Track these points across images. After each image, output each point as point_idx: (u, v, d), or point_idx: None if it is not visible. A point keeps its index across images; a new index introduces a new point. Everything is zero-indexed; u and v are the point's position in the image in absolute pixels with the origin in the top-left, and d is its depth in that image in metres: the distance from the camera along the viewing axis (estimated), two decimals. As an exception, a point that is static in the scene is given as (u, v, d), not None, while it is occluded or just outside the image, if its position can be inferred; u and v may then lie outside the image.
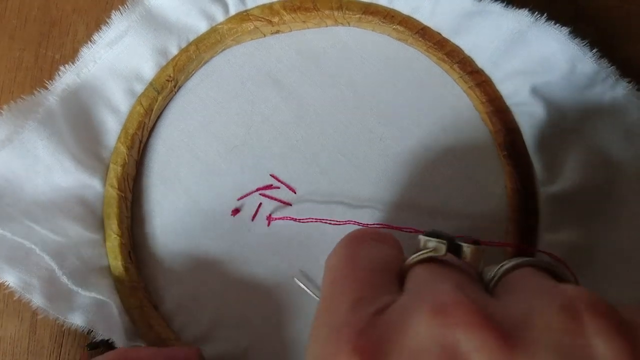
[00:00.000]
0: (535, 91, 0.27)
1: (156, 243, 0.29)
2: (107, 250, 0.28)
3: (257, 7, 0.30)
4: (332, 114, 0.30)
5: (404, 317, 0.15)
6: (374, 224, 0.27)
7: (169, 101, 0.30)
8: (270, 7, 0.30)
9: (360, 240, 0.20)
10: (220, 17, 0.30)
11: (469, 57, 0.29)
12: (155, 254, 0.29)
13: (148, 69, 0.29)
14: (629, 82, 0.27)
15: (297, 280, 0.28)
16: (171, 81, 0.30)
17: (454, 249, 0.19)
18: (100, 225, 0.29)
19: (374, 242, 0.21)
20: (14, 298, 0.25)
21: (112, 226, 0.28)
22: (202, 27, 0.30)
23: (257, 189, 0.30)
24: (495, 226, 0.28)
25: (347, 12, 0.29)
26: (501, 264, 0.19)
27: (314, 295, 0.28)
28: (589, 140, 0.27)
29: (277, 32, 0.30)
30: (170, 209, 0.30)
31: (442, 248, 0.19)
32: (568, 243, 0.27)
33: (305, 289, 0.28)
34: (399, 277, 0.19)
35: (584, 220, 0.27)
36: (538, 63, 0.27)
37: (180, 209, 0.30)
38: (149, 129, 0.30)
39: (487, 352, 0.13)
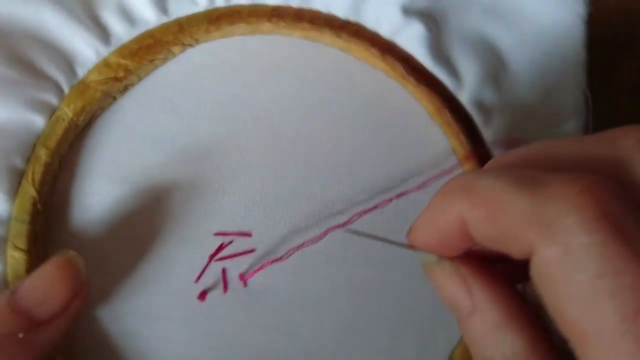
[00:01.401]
0: (405, 11, 0.27)
1: None
2: None
3: (91, 70, 0.25)
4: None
5: None
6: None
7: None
8: (105, 62, 0.25)
9: (620, 227, 0.12)
10: (55, 101, 0.24)
11: (329, 13, 0.27)
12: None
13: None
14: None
15: None
16: (37, 204, 0.23)
17: None
18: None
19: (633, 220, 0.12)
20: None
21: None
22: (39, 123, 0.23)
23: (210, 258, 0.25)
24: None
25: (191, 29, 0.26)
26: None
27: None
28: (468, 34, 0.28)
29: (128, 86, 0.25)
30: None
31: None
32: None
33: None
34: None
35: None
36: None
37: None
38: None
39: None
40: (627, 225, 0.12)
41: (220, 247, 0.25)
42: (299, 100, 0.27)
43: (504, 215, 0.13)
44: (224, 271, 0.25)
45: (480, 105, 0.27)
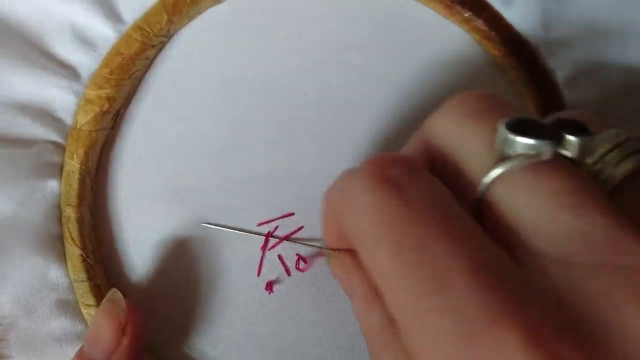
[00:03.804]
0: None
1: None
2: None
3: (77, 113, 0.23)
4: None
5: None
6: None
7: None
8: (86, 99, 0.23)
9: (394, 183, 0.13)
10: (57, 158, 0.23)
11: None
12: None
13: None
14: None
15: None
16: (87, 260, 0.23)
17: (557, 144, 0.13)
18: None
19: (410, 178, 0.14)
20: None
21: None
22: (54, 184, 0.23)
23: (263, 249, 0.24)
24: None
25: None
26: (620, 157, 0.13)
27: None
28: None
29: (119, 110, 0.24)
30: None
31: (548, 148, 0.12)
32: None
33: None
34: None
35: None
36: None
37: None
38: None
39: None
40: (401, 183, 0.13)
41: (268, 236, 0.24)
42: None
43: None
44: (280, 258, 0.24)
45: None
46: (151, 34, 0.24)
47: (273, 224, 0.25)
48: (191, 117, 0.25)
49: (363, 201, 0.13)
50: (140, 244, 0.24)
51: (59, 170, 0.23)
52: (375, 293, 0.16)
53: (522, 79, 0.24)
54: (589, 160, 0.14)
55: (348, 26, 0.25)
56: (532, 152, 0.13)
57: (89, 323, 0.23)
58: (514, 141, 0.13)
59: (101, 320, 0.21)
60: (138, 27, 0.23)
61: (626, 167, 0.13)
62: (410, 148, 0.17)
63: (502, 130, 0.13)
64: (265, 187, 0.24)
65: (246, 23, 0.25)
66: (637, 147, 0.14)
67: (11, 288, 0.22)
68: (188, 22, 0.25)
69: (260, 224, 0.24)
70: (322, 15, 0.25)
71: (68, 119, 0.24)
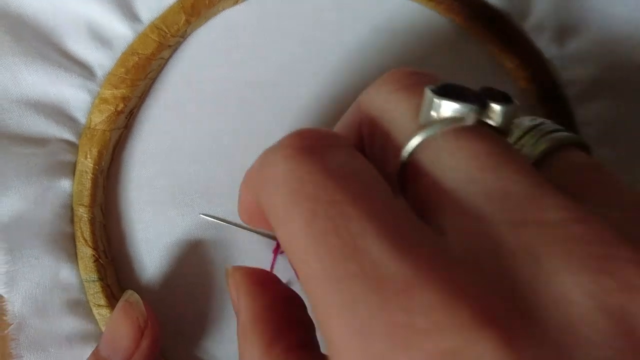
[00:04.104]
0: None
1: None
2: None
3: (92, 112, 0.23)
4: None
5: (515, 268, 0.11)
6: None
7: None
8: (101, 99, 0.23)
9: (311, 149, 0.13)
10: (71, 157, 0.23)
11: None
12: None
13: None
14: None
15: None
16: (99, 259, 0.23)
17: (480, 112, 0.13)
18: None
19: (332, 148, 0.13)
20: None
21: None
22: (67, 184, 0.23)
23: (275, 252, 0.25)
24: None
25: None
26: (528, 126, 0.14)
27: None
28: None
29: (133, 110, 0.24)
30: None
31: (471, 113, 0.13)
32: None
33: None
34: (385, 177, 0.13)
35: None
36: None
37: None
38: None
39: None
40: (319, 151, 0.13)
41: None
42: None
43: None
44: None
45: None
46: (168, 34, 0.23)
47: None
48: (203, 118, 0.25)
49: (279, 170, 0.13)
50: (150, 245, 0.24)
51: (71, 169, 0.23)
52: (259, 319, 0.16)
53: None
54: (509, 141, 0.14)
55: (360, 31, 0.25)
56: (456, 116, 0.13)
57: (99, 323, 0.23)
58: (439, 105, 0.13)
59: (119, 322, 0.21)
60: (155, 27, 0.23)
61: (542, 147, 0.14)
62: (343, 122, 0.17)
63: (428, 94, 0.13)
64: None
65: (260, 26, 0.25)
66: (551, 129, 0.14)
67: (23, 287, 0.22)
68: (203, 23, 0.25)
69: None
70: (335, 20, 0.25)
71: (82, 118, 0.23)
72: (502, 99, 0.13)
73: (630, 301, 0.10)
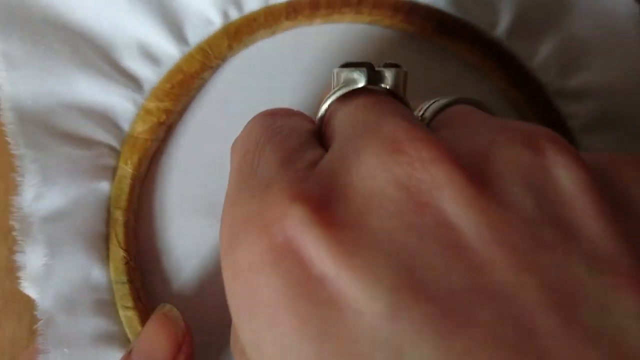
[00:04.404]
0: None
1: None
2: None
3: (136, 122, 0.25)
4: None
5: (345, 163, 0.13)
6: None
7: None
8: (146, 110, 0.25)
9: (270, 115, 0.17)
10: (112, 162, 0.25)
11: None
12: None
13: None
14: None
15: None
16: (129, 262, 0.24)
17: (374, 78, 0.16)
18: None
19: (283, 116, 0.17)
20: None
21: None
22: (106, 186, 0.24)
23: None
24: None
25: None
26: (433, 100, 0.17)
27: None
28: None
29: (172, 124, 0.26)
30: None
31: (361, 77, 0.16)
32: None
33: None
34: (318, 137, 0.17)
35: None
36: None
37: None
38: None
39: (456, 190, 0.12)
40: (276, 116, 0.17)
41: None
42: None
43: None
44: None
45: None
46: (212, 56, 0.26)
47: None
48: (235, 136, 0.26)
49: (248, 127, 0.17)
50: (178, 254, 0.25)
51: (111, 173, 0.25)
52: None
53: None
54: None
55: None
56: (350, 79, 0.16)
57: (125, 325, 0.24)
58: (339, 74, 0.16)
59: (159, 334, 0.21)
60: (201, 48, 0.25)
61: (435, 107, 0.17)
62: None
63: (334, 70, 0.17)
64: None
65: (293, 57, 0.27)
66: (443, 102, 0.17)
67: (55, 283, 0.23)
68: (242, 50, 0.27)
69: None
70: (369, 55, 0.27)
71: (125, 127, 0.25)
72: (394, 66, 0.17)
73: (421, 172, 0.12)
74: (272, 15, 0.26)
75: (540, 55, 0.27)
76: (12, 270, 0.23)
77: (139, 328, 0.23)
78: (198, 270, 0.25)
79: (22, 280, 0.22)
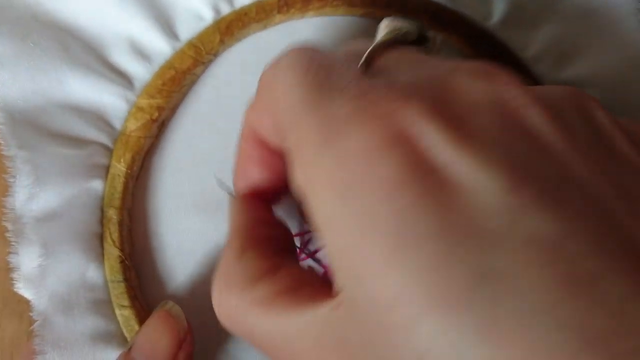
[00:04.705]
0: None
1: None
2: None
3: (128, 119, 0.25)
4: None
5: (439, 79, 0.15)
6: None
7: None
8: (138, 108, 0.25)
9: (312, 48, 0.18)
10: (105, 160, 0.24)
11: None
12: None
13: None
14: None
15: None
16: (125, 261, 0.24)
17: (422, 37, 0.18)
18: None
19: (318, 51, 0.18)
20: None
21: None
22: (99, 185, 0.24)
23: (299, 253, 0.25)
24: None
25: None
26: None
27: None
28: None
29: (164, 121, 0.25)
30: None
31: (414, 29, 0.17)
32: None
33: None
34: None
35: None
36: None
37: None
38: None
39: (536, 108, 0.14)
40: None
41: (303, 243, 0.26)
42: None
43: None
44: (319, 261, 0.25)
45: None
46: (203, 52, 0.25)
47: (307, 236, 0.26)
48: (229, 131, 0.26)
49: (284, 63, 0.17)
50: (173, 252, 0.25)
51: (104, 172, 0.24)
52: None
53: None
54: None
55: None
56: (401, 29, 0.17)
57: (121, 324, 0.24)
58: (384, 23, 0.18)
59: (160, 332, 0.21)
60: (192, 44, 0.25)
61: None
62: None
63: (385, 19, 0.18)
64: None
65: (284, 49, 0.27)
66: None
67: (50, 283, 0.22)
68: (234, 44, 0.27)
69: (296, 235, 0.26)
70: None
71: (118, 125, 0.25)
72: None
73: (511, 93, 0.14)
74: (264, 9, 0.25)
75: (535, 47, 0.26)
76: (12, 271, 0.23)
77: (136, 327, 0.23)
78: (193, 267, 0.25)
79: (16, 282, 0.22)
